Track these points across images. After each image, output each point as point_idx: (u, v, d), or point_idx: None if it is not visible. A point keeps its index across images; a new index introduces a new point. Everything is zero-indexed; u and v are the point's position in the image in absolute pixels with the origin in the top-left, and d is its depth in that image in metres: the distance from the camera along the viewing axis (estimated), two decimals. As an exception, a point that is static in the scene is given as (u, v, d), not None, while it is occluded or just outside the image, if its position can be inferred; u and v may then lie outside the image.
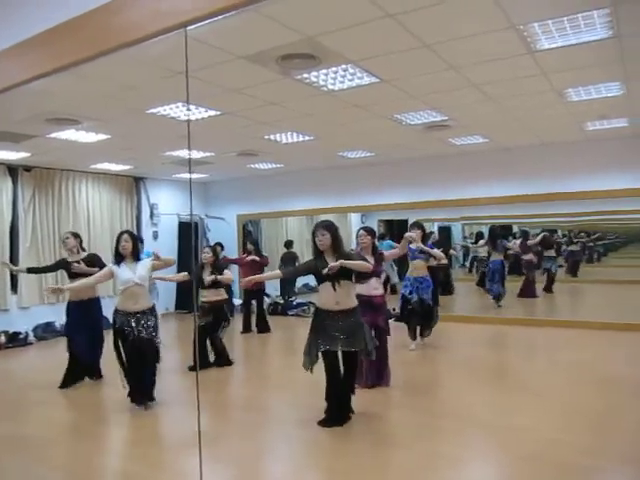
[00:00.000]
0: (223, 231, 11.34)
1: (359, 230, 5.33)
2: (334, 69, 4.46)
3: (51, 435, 4.33)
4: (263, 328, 8.69)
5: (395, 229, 11.75)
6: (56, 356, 7.75)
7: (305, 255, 11.99)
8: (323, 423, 4.22)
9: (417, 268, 6.66)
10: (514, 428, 4.08)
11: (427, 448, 3.81)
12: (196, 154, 8.19)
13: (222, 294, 6.45)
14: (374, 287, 5.14)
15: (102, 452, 4.09)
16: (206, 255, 6.40)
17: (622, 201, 7.87)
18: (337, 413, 4.27)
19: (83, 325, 5.78)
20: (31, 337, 8.33)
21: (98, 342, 5.90)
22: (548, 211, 9.05)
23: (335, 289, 4.15)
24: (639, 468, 3.44)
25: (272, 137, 7.14)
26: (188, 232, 11.08)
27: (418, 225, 6.81)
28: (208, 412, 4.73)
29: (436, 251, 6.71)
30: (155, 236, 10.72)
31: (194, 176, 10.72)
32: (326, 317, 4.19)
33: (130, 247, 4.92)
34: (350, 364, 4.32)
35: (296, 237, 12.06)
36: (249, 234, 11.47)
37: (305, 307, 10.40)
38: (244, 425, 4.46)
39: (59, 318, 8.82)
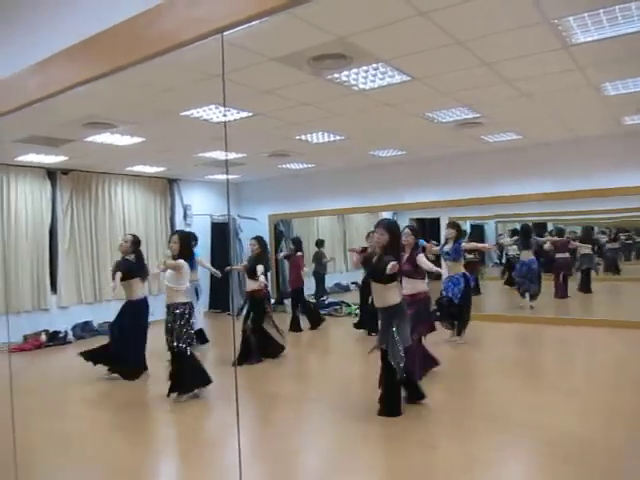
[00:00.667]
0: (255, 231, 11.37)
1: (404, 228, 5.38)
2: (365, 68, 4.46)
3: (92, 432, 4.46)
4: (316, 322, 8.98)
5: (427, 228, 11.67)
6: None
7: (337, 254, 12.02)
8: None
9: (450, 268, 6.76)
10: (549, 428, 4.02)
11: (461, 449, 3.79)
12: (229, 155, 8.28)
13: (259, 284, 6.59)
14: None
15: (142, 448, 4.17)
16: (252, 247, 6.81)
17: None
18: (388, 403, 4.43)
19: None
20: (70, 336, 8.56)
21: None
22: (583, 208, 8.86)
23: (372, 288, 4.52)
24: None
25: (303, 137, 7.17)
26: (221, 232, 11.22)
27: (453, 224, 6.94)
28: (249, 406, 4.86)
29: (474, 245, 7.06)
30: (189, 237, 10.86)
31: (226, 177, 10.83)
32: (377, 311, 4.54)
33: (177, 248, 5.16)
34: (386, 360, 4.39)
35: (327, 236, 12.08)
36: (280, 234, 11.54)
37: (337, 307, 10.40)
38: (283, 425, 4.50)
39: (97, 317, 9.07)
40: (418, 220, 11.75)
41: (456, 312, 6.79)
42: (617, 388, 5.02)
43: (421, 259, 5.36)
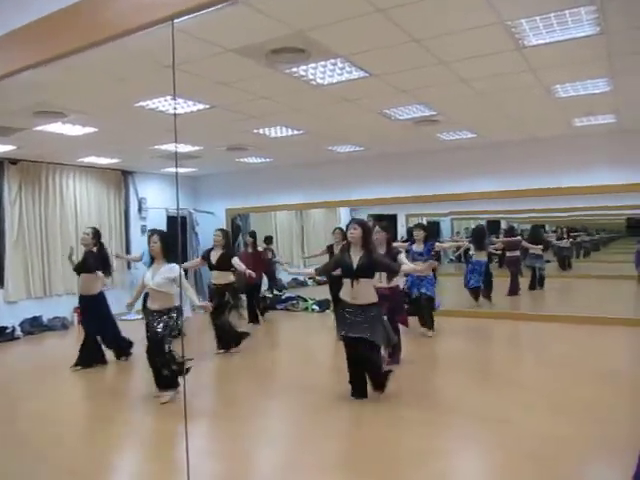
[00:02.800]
0: (212, 225, 11.25)
1: (375, 227, 5.51)
2: (323, 63, 4.45)
3: (43, 432, 4.30)
4: (255, 319, 9.04)
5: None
6: (42, 351, 7.76)
7: (295, 249, 12.02)
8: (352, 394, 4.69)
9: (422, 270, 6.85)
10: (504, 422, 4.12)
11: (417, 443, 3.84)
12: (185, 148, 8.15)
13: (228, 278, 6.66)
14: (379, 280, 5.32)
15: (92, 447, 4.07)
16: (217, 237, 6.74)
17: (610, 197, 7.92)
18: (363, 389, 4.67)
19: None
20: (18, 332, 8.26)
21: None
22: (537, 206, 9.12)
23: (353, 286, 4.49)
24: (632, 458, 3.48)
25: (261, 131, 7.12)
26: (176, 226, 11.03)
27: (421, 226, 7.30)
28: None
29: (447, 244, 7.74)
30: (143, 230, 10.64)
31: (183, 170, 10.67)
32: (345, 306, 4.57)
33: (159, 249, 4.94)
34: (367, 352, 4.52)
35: (286, 231, 12.07)
36: (238, 228, 11.45)
37: (294, 301, 10.41)
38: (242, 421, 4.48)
39: (47, 312, 8.80)
40: (376, 216, 11.88)
41: (429, 305, 7.16)
42: (576, 382, 5.15)
43: (403, 259, 5.44)
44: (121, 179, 10.32)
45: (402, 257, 5.52)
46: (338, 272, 4.77)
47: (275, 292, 10.79)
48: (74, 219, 9.47)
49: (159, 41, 2.66)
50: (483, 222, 10.24)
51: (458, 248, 8.86)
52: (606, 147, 7.62)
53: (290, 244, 12.08)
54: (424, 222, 11.24)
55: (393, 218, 11.02)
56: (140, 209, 10.66)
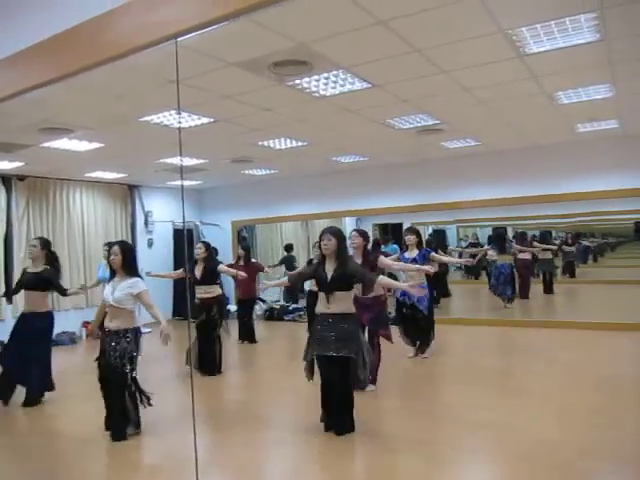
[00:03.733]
0: (218, 238, 11.33)
1: (352, 231, 5.25)
2: (325, 75, 4.49)
3: (51, 451, 4.27)
4: (249, 338, 8.27)
5: (390, 233, 11.78)
6: (52, 366, 7.74)
7: (301, 259, 12.02)
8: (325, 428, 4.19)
9: (412, 277, 6.00)
10: (511, 429, 4.10)
11: (425, 451, 3.82)
12: (190, 161, 8.20)
13: (214, 291, 6.28)
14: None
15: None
16: (198, 250, 6.29)
17: (615, 201, 7.92)
18: (335, 419, 4.15)
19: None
20: None
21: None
22: (542, 212, 9.10)
23: (328, 300, 4.11)
24: (636, 468, 3.46)
25: (266, 143, 7.16)
26: (183, 239, 11.09)
27: (413, 230, 6.46)
28: (204, 423, 4.59)
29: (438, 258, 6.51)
30: (150, 244, 10.71)
31: (188, 183, 10.72)
32: (322, 321, 4.14)
33: (120, 261, 4.35)
34: (342, 371, 4.07)
35: (292, 242, 12.08)
36: (243, 240, 11.49)
37: (301, 312, 10.40)
38: (241, 434, 4.43)
39: (55, 327, 8.77)
40: (382, 225, 11.89)
41: (424, 325, 6.41)
42: (579, 389, 5.12)
43: (385, 261, 5.21)
44: (127, 193, 10.39)
45: (384, 260, 5.16)
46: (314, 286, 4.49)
47: (282, 302, 10.76)
48: (81, 234, 9.53)
49: (163, 57, 2.70)
50: (488, 229, 10.23)
51: (473, 256, 8.38)
52: (610, 152, 7.62)
53: (297, 255, 12.09)
54: (429, 230, 11.28)
55: (399, 227, 11.02)
56: (146, 223, 10.71)
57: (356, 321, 4.21)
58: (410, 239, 6.35)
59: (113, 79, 4.23)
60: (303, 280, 4.91)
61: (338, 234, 4.22)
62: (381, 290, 5.20)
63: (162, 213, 10.88)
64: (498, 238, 9.04)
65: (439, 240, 11.63)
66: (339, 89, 4.89)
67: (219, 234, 11.40)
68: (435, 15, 3.40)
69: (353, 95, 5.05)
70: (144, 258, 10.41)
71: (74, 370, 6.97)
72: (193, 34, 1.46)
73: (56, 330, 8.65)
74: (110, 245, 4.54)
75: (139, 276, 4.43)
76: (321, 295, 4.21)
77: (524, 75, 4.69)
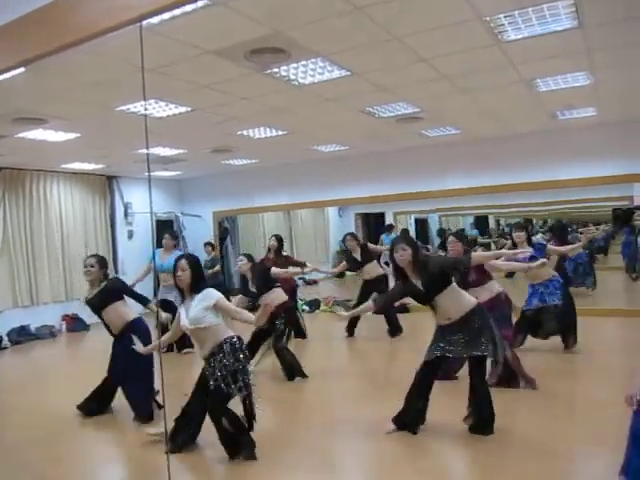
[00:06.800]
0: (199, 229, 11.26)
1: (449, 236, 4.90)
2: (304, 63, 4.44)
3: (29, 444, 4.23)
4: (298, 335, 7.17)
5: (372, 222, 11.82)
6: (31, 360, 7.68)
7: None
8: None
9: (538, 274, 5.54)
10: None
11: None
12: (169, 151, 8.10)
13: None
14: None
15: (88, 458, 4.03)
16: (240, 263, 5.60)
17: (596, 189, 7.95)
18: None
19: None
20: (5, 341, 8.17)
21: None
22: (524, 200, 9.16)
23: (436, 310, 3.81)
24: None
25: (245, 132, 7.10)
26: (165, 230, 10.98)
27: (521, 226, 5.79)
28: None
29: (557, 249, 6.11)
30: (130, 235, 10.60)
31: (168, 174, 10.61)
32: (444, 329, 3.84)
33: (187, 277, 3.72)
34: (476, 370, 3.85)
35: (274, 232, 12.03)
36: (225, 231, 11.43)
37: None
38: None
39: (34, 321, 8.71)
40: (364, 215, 11.90)
41: (562, 316, 5.69)
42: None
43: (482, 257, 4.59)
44: (106, 184, 10.25)
45: (480, 255, 4.59)
46: None
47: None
48: (59, 226, 9.39)
49: (135, 44, 2.64)
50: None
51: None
52: (588, 140, 7.68)
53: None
54: (412, 220, 11.31)
55: (381, 216, 11.05)
56: (126, 214, 10.58)
57: (484, 312, 3.84)
58: (520, 236, 5.61)
59: (87, 67, 4.16)
60: (393, 301, 4.41)
61: (413, 243, 3.84)
62: (495, 290, 4.79)
63: (142, 204, 10.73)
64: (560, 229, 7.73)
65: (423, 230, 11.70)
66: (318, 77, 4.84)
67: (200, 225, 11.32)
68: (413, 2, 3.38)
69: (332, 83, 5.00)
70: (124, 250, 10.33)
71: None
72: (159, 17, 1.42)
73: (36, 324, 8.67)
74: (177, 259, 3.81)
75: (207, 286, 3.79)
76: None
77: (502, 62, 4.69)
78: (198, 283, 3.72)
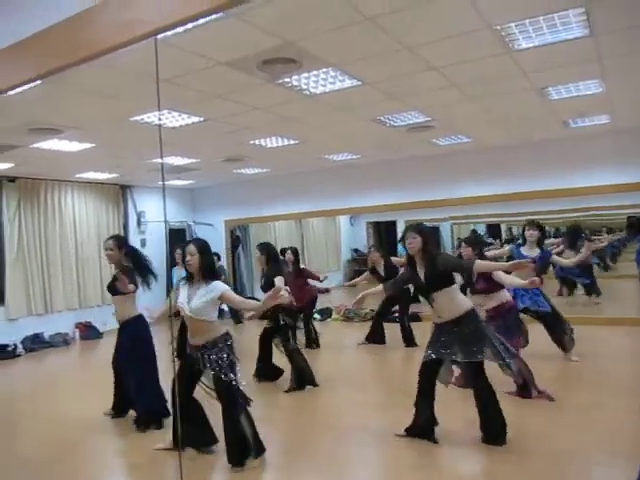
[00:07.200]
0: (211, 237, 11.29)
1: (460, 242, 4.97)
2: (315, 73, 4.48)
3: (44, 452, 4.26)
4: (311, 344, 7.42)
5: (383, 231, 11.80)
6: (45, 368, 7.74)
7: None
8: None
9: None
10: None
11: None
12: (181, 160, 8.17)
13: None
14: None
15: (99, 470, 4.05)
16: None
17: (609, 197, 7.89)
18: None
19: None
20: (20, 349, 8.25)
21: None
22: (537, 209, 9.10)
23: (432, 305, 3.82)
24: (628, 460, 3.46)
25: (257, 142, 7.15)
26: (177, 239, 11.06)
27: (535, 224, 5.64)
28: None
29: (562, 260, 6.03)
30: (143, 244, 10.67)
31: (181, 183, 10.70)
32: (439, 329, 3.84)
33: (196, 262, 3.69)
34: (473, 379, 3.84)
35: (285, 241, 12.04)
36: (237, 239, 11.47)
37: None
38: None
39: (48, 329, 8.79)
40: (375, 223, 11.91)
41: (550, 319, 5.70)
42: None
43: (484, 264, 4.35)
44: (119, 193, 10.35)
45: (481, 264, 4.17)
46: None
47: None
48: (73, 235, 9.49)
49: (149, 56, 2.68)
50: (480, 226, 10.18)
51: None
52: (602, 147, 7.63)
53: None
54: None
55: (393, 224, 11.04)
56: (139, 223, 10.68)
57: (478, 317, 3.82)
58: (533, 234, 5.54)
59: (102, 79, 4.22)
60: (400, 287, 4.40)
61: (424, 231, 3.81)
62: (502, 299, 4.83)
63: (156, 213, 10.84)
64: (574, 233, 7.98)
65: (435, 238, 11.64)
66: (329, 87, 4.87)
67: (212, 234, 11.38)
68: (422, 11, 3.39)
69: (343, 93, 5.03)
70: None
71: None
72: (173, 31, 1.45)
73: (50, 332, 8.75)
74: (184, 244, 3.88)
75: (218, 279, 3.78)
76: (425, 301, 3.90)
77: (513, 71, 4.69)
78: (208, 270, 3.70)
